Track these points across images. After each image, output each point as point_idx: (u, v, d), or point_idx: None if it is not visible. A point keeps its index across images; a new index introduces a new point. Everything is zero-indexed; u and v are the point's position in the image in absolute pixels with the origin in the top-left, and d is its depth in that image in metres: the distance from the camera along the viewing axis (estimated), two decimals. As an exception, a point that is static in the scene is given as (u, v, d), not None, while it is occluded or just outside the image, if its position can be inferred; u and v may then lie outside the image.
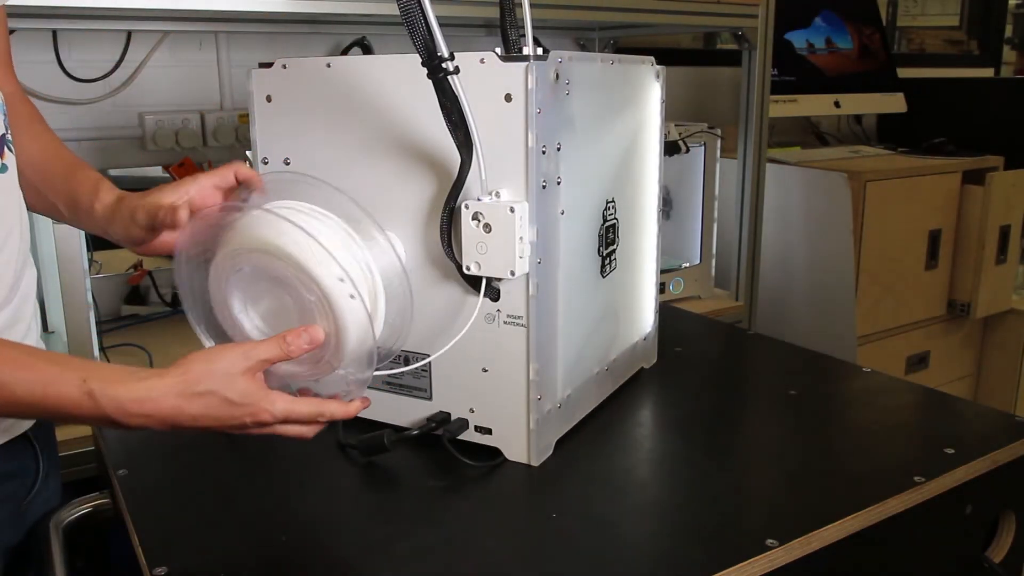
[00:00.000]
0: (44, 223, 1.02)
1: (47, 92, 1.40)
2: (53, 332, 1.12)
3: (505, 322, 0.80)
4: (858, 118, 2.53)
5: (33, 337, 0.79)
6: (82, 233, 1.04)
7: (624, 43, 1.95)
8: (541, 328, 0.80)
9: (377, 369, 0.74)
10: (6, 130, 0.75)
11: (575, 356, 0.88)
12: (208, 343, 0.76)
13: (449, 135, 0.75)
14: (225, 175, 0.80)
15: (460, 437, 0.84)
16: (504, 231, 0.75)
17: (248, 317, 0.74)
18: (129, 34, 1.44)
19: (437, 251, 0.79)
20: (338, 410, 0.70)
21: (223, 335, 0.75)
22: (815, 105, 2.21)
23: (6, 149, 0.74)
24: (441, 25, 0.70)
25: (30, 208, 0.82)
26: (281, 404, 0.67)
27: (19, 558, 0.78)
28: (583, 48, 1.92)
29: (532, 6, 0.76)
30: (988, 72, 3.17)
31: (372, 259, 0.74)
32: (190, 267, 0.75)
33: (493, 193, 0.77)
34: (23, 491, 0.80)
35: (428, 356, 0.84)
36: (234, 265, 0.72)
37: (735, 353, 1.22)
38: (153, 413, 0.63)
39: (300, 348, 0.68)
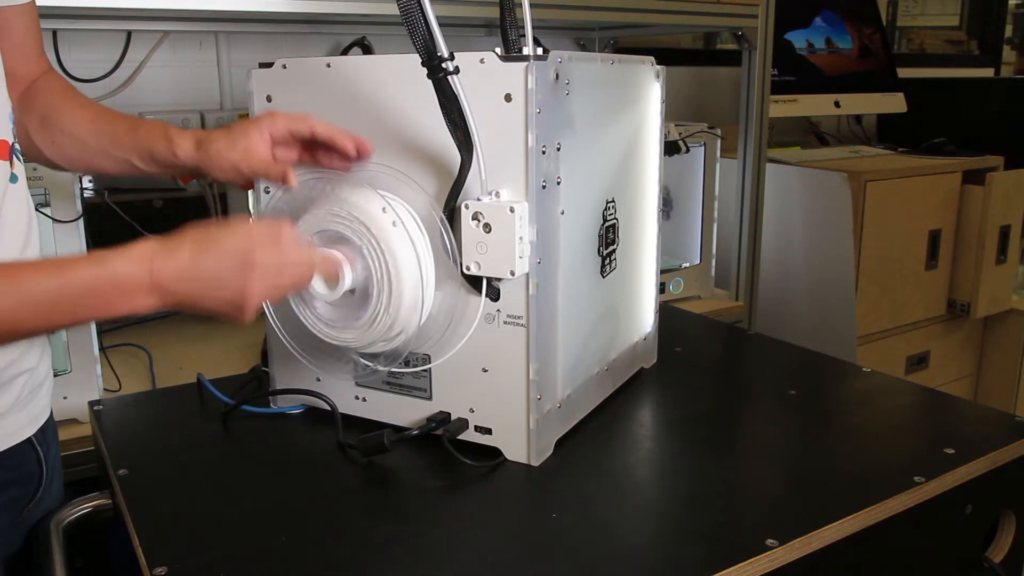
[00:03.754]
0: (44, 224, 1.02)
1: (47, 92, 1.40)
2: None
3: (505, 322, 0.80)
4: (858, 118, 2.53)
5: (42, 338, 0.80)
6: (82, 233, 1.04)
7: (624, 43, 1.95)
8: (541, 328, 0.80)
9: (377, 370, 0.75)
10: (14, 139, 0.75)
11: (575, 356, 0.88)
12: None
13: (449, 135, 0.75)
14: (300, 124, 0.81)
15: (460, 437, 0.84)
16: (504, 231, 0.75)
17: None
18: (129, 34, 1.44)
19: (437, 251, 0.79)
20: None
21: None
22: (815, 105, 2.21)
23: (15, 159, 0.74)
24: (441, 25, 0.70)
25: (100, 172, 0.88)
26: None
27: (19, 562, 0.78)
28: (583, 48, 1.92)
29: (532, 6, 0.76)
30: (988, 72, 3.17)
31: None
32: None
33: (493, 193, 0.77)
34: (25, 498, 0.79)
35: (428, 356, 0.84)
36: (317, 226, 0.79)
37: (735, 353, 1.22)
38: (199, 257, 0.67)
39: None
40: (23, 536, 0.79)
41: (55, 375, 0.89)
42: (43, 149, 0.86)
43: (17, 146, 0.76)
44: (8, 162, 0.72)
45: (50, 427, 0.83)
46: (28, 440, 0.78)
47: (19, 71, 0.83)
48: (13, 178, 0.74)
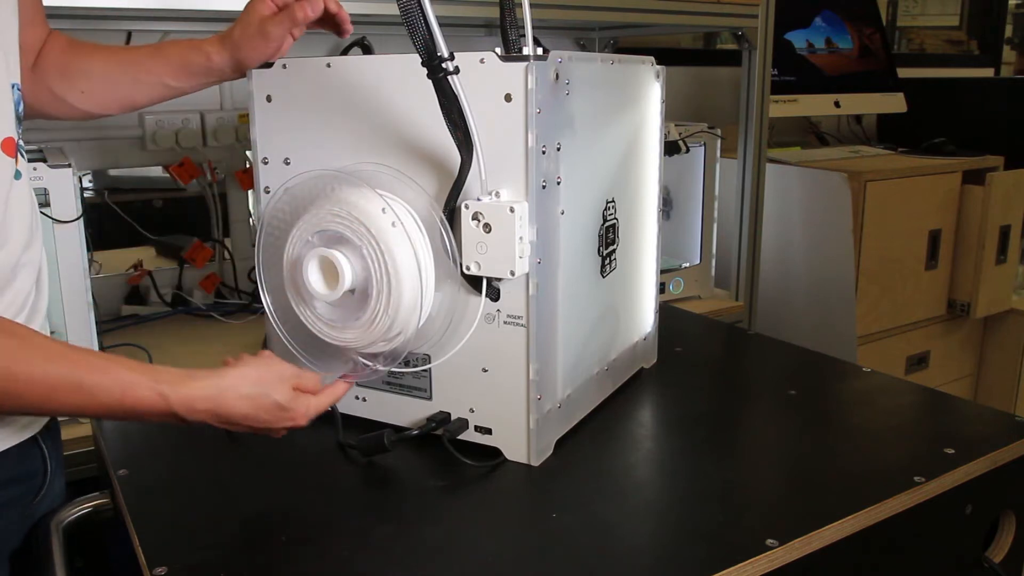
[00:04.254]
0: (44, 224, 1.02)
1: (47, 92, 1.40)
2: (54, 332, 1.12)
3: (505, 322, 0.80)
4: (858, 118, 2.53)
5: (47, 332, 0.81)
6: (82, 233, 1.04)
7: (624, 43, 1.95)
8: (541, 328, 0.80)
9: (377, 370, 0.75)
10: (19, 136, 0.75)
11: (575, 356, 0.88)
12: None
13: (449, 135, 0.75)
14: None
15: (460, 437, 0.84)
16: (504, 231, 0.75)
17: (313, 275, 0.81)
18: (129, 34, 1.44)
19: (437, 251, 0.79)
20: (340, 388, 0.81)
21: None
22: (815, 105, 2.21)
23: (20, 156, 0.75)
24: (441, 25, 0.70)
25: (133, 107, 0.92)
26: (314, 404, 0.76)
27: (26, 559, 0.78)
28: (583, 48, 1.92)
29: (532, 6, 0.76)
30: (988, 72, 3.17)
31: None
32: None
33: (493, 193, 0.77)
34: (31, 494, 0.80)
35: (428, 356, 0.84)
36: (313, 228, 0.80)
37: (735, 353, 1.22)
38: (216, 409, 0.70)
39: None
40: (27, 533, 0.79)
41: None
42: (72, 101, 0.87)
43: (21, 143, 0.76)
44: (13, 159, 0.72)
45: (53, 424, 0.84)
46: (33, 437, 0.78)
47: (29, 42, 0.84)
48: (17, 174, 0.74)
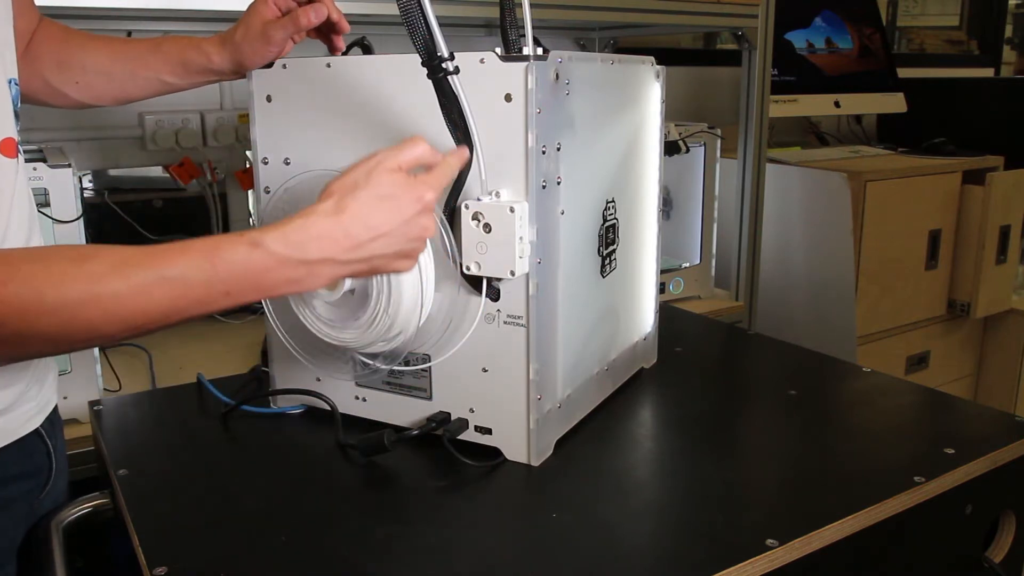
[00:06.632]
0: (44, 223, 1.02)
1: (47, 92, 1.40)
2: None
3: (505, 322, 0.80)
4: (858, 118, 2.53)
5: None
6: (82, 233, 1.04)
7: (624, 43, 1.95)
8: (541, 328, 0.80)
9: (377, 370, 0.75)
10: (17, 134, 0.75)
11: (575, 356, 0.88)
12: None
13: (449, 135, 0.75)
14: None
15: (460, 437, 0.84)
16: (504, 231, 0.75)
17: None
18: (129, 34, 1.44)
19: (437, 251, 0.79)
20: (453, 159, 0.72)
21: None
22: (815, 105, 2.21)
23: (19, 154, 0.75)
24: (441, 25, 0.70)
25: (128, 99, 0.90)
26: (428, 178, 0.68)
27: (26, 560, 0.78)
28: (583, 48, 1.92)
29: (532, 6, 0.76)
30: (988, 72, 3.17)
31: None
32: None
33: (493, 193, 0.77)
34: (37, 489, 0.80)
35: (428, 356, 0.84)
36: None
37: (735, 353, 1.22)
38: (321, 234, 0.63)
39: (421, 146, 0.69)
40: (30, 529, 0.79)
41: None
42: (68, 92, 0.87)
43: (19, 139, 0.76)
44: (14, 159, 0.72)
45: (57, 419, 0.84)
46: (37, 432, 0.78)
47: (20, 27, 0.83)
48: (16, 173, 0.74)
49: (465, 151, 0.73)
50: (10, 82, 0.73)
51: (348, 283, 0.77)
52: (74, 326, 0.57)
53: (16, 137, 0.73)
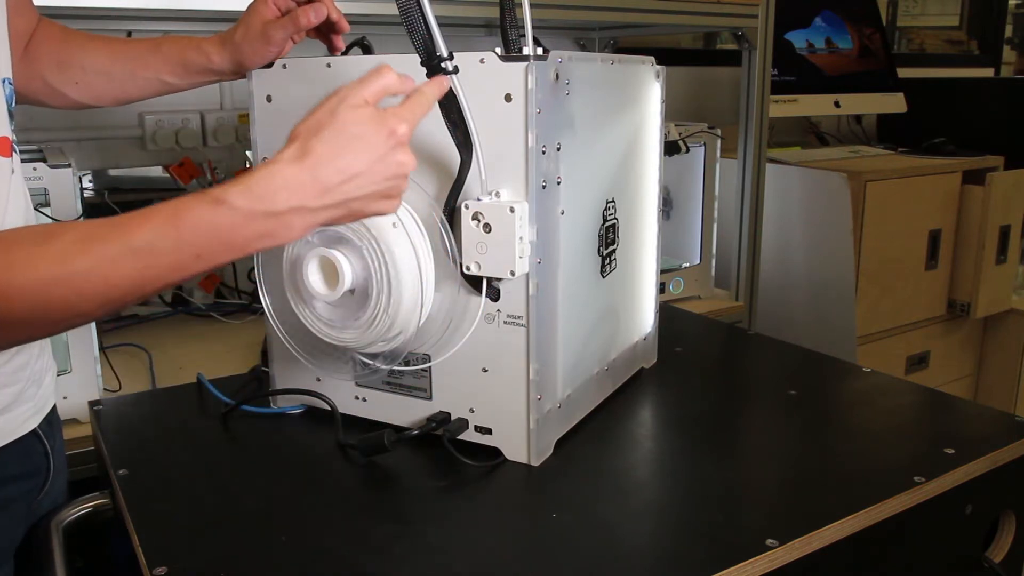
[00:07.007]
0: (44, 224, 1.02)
1: (47, 92, 1.40)
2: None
3: (505, 322, 0.80)
4: (858, 118, 2.53)
5: None
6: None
7: (624, 43, 1.95)
8: (541, 328, 0.80)
9: (377, 370, 0.75)
10: (12, 133, 0.75)
11: (575, 356, 0.88)
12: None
13: (449, 135, 0.75)
14: None
15: (460, 437, 0.84)
16: (504, 231, 0.75)
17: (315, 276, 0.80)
18: (129, 34, 1.44)
19: (437, 251, 0.79)
20: (429, 88, 0.68)
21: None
22: (815, 105, 2.21)
23: (14, 153, 0.75)
24: (441, 25, 0.70)
25: (128, 100, 0.90)
26: (399, 110, 0.63)
27: (25, 560, 0.78)
28: (583, 48, 1.92)
29: (532, 6, 0.76)
30: (988, 72, 3.17)
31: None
32: None
33: (493, 193, 0.77)
34: (36, 489, 0.80)
35: (428, 356, 0.84)
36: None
37: (735, 353, 1.22)
38: (288, 182, 0.59)
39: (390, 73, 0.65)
40: (28, 531, 0.79)
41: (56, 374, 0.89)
42: (67, 92, 0.87)
43: (15, 138, 0.76)
44: (9, 158, 0.72)
45: (55, 420, 0.84)
46: (35, 432, 0.78)
47: (19, 27, 0.83)
48: (12, 171, 0.74)
49: (445, 80, 0.69)
50: (3, 81, 0.73)
51: (348, 283, 0.77)
52: (49, 308, 0.56)
53: (11, 136, 0.73)
